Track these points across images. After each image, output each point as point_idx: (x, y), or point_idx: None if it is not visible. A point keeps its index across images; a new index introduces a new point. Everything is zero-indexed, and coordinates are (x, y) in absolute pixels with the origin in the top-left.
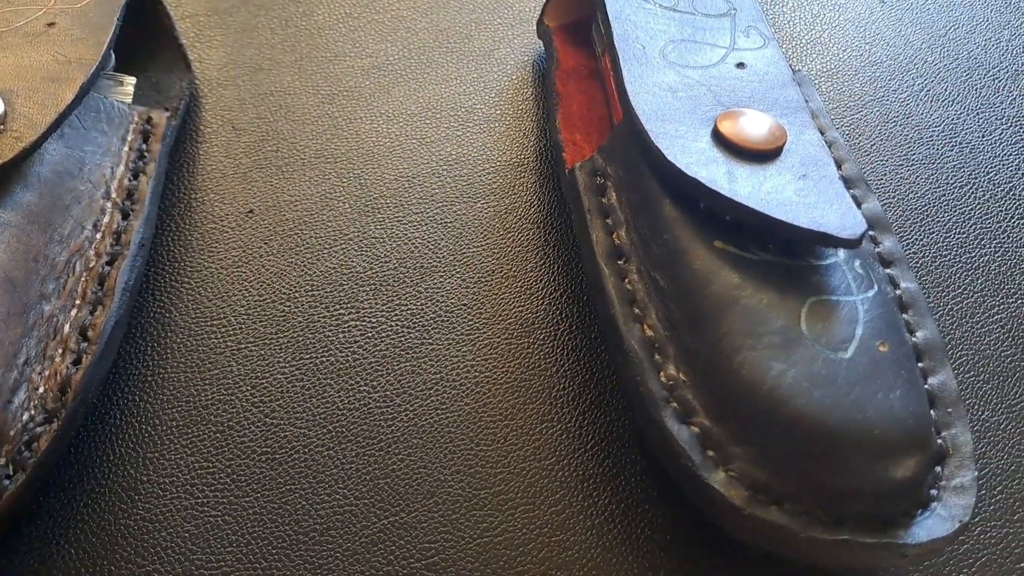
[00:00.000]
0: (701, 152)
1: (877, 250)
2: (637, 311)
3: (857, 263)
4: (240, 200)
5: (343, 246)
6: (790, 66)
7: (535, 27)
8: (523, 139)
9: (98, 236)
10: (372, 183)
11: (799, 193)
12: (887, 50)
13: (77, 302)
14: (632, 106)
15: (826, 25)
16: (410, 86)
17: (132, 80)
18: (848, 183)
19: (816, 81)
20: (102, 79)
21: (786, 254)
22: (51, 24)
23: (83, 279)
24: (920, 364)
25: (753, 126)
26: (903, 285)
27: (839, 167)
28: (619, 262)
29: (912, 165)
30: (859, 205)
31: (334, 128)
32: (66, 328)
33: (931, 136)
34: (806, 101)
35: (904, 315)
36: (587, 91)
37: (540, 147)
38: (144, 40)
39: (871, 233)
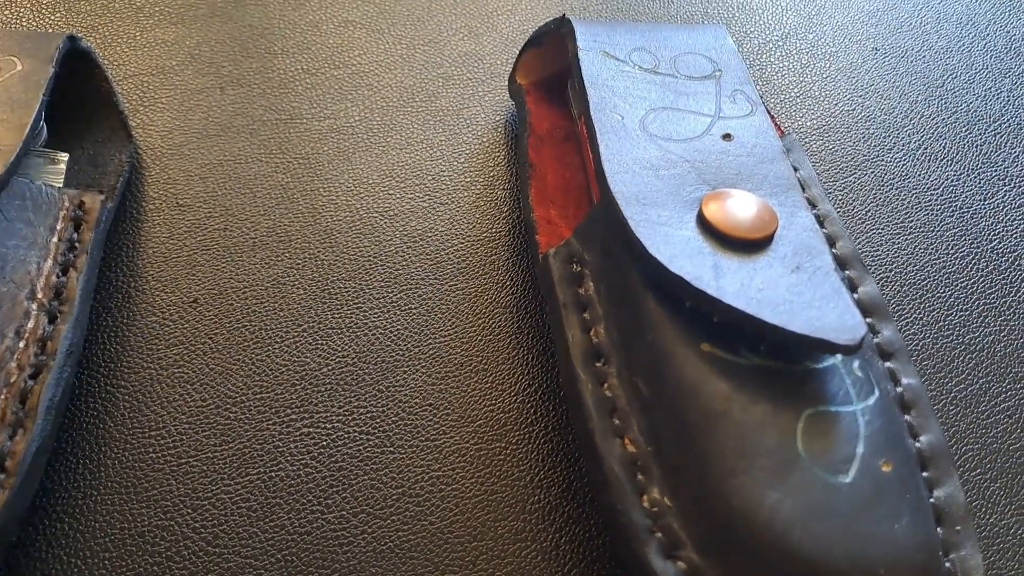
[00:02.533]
0: (686, 242)
1: (876, 340)
2: (618, 422)
3: (856, 364)
4: (183, 288)
5: (295, 339)
6: (780, 128)
7: (507, 84)
8: (495, 211)
9: (20, 345)
10: (329, 264)
11: (792, 289)
12: (881, 103)
13: None
14: (610, 190)
15: (816, 76)
16: (372, 152)
17: (64, 157)
18: (842, 263)
19: (806, 139)
20: (31, 157)
21: (779, 357)
22: None
23: (2, 397)
24: (925, 474)
25: (741, 210)
26: (904, 381)
27: (832, 244)
28: (597, 364)
29: (909, 234)
30: (855, 289)
31: (288, 202)
32: None
33: (929, 200)
34: (796, 169)
35: (907, 416)
36: (562, 156)
37: (513, 219)
38: (80, 106)
39: (868, 321)
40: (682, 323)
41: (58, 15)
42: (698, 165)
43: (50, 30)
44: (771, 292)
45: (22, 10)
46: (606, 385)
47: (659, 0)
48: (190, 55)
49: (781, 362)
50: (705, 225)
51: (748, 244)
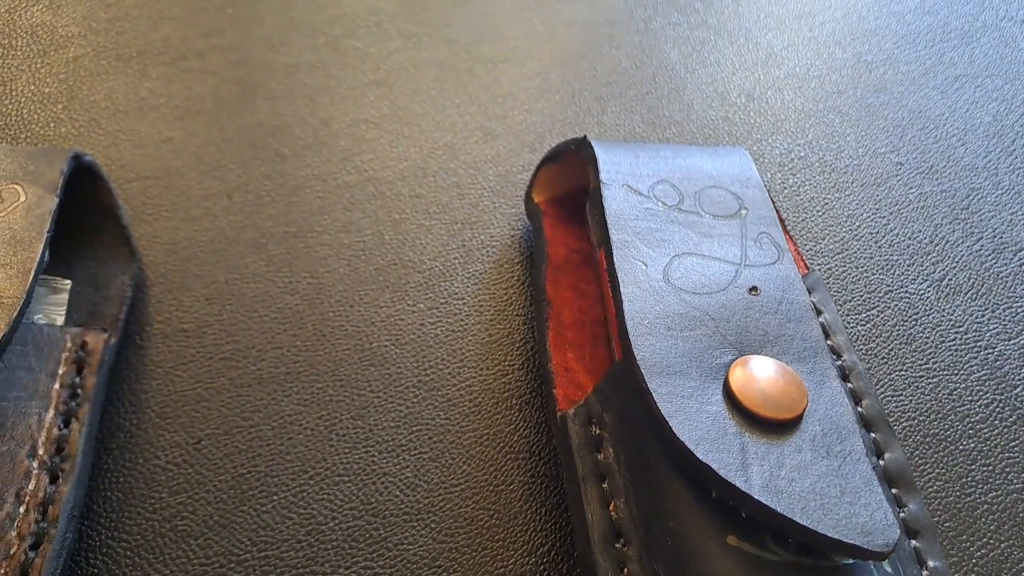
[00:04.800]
0: (712, 420)
1: (902, 515)
2: None
3: (885, 562)
4: (187, 427)
5: (301, 487)
6: (804, 262)
7: (521, 193)
8: (509, 342)
9: (21, 511)
10: (338, 401)
11: (822, 479)
12: (904, 226)
13: None
14: (635, 357)
15: (838, 192)
16: (383, 272)
17: (67, 285)
18: (868, 424)
19: (828, 264)
20: None
21: (807, 553)
22: None
23: (2, 572)
24: None
25: (770, 384)
26: (931, 564)
27: (858, 403)
28: (616, 545)
29: (932, 376)
30: (880, 455)
31: (296, 327)
32: None
33: (953, 339)
34: (819, 311)
35: None
36: (579, 285)
37: (527, 352)
38: (81, 221)
39: (894, 492)
40: (707, 511)
41: (59, 106)
42: (723, 325)
43: (51, 122)
44: (800, 484)
45: (22, 99)
46: (626, 571)
47: (677, 104)
48: (196, 155)
49: (809, 558)
50: (732, 400)
51: (776, 424)
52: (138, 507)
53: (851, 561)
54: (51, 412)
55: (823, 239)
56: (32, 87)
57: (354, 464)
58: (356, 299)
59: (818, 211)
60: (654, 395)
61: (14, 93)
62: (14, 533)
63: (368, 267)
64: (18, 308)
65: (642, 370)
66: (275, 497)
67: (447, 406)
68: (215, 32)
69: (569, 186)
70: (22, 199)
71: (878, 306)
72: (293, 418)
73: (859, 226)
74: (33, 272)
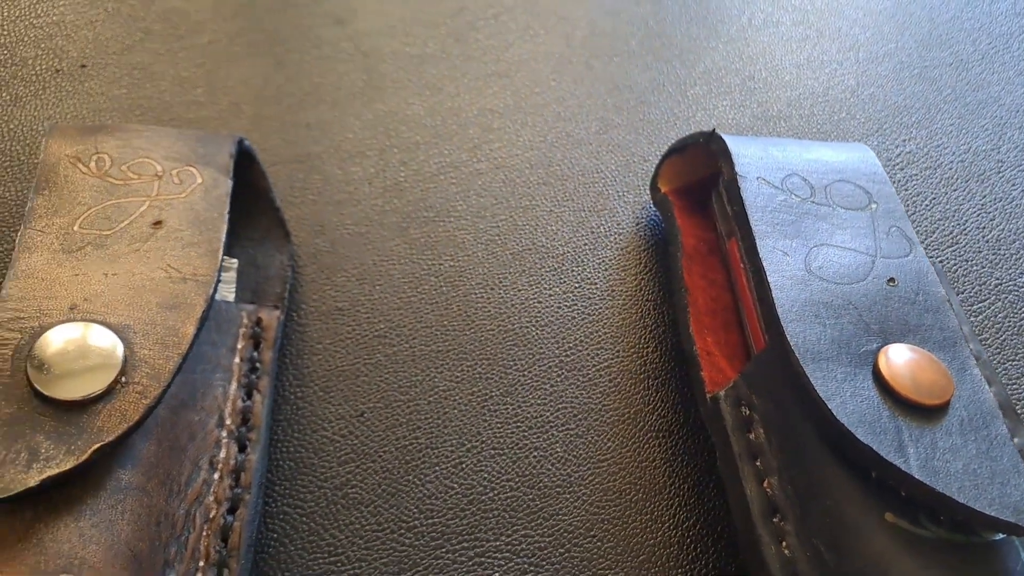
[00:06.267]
0: (867, 404)
1: None
2: None
3: None
4: (350, 400)
5: (460, 459)
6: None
7: (645, 183)
8: (641, 325)
9: (216, 477)
10: (487, 378)
11: (973, 461)
12: (1009, 221)
13: (201, 564)
14: (788, 343)
15: (944, 188)
16: (519, 256)
17: (235, 263)
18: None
19: (937, 260)
20: None
21: (959, 529)
22: (157, 223)
23: (204, 535)
24: None
25: (918, 372)
26: None
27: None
28: (774, 520)
29: None
30: (1012, 438)
31: (443, 308)
32: None
33: None
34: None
35: None
36: (708, 273)
37: (659, 335)
38: (238, 203)
39: None
40: (864, 491)
41: (199, 90)
42: (865, 313)
43: (192, 105)
44: (954, 464)
45: (163, 83)
46: (784, 544)
47: (783, 100)
48: (334, 142)
49: (962, 534)
50: (882, 385)
51: (927, 410)
52: (310, 476)
53: (1000, 537)
54: (234, 385)
55: (933, 233)
56: (172, 71)
57: (507, 438)
58: (496, 282)
59: (926, 206)
60: (813, 381)
61: (154, 76)
62: (211, 498)
63: (504, 252)
64: (213, 285)
65: (799, 360)
66: (437, 468)
67: (588, 386)
68: (341, 21)
69: (692, 177)
70: (199, 181)
71: (988, 299)
72: (447, 394)
73: (966, 221)
74: (220, 250)
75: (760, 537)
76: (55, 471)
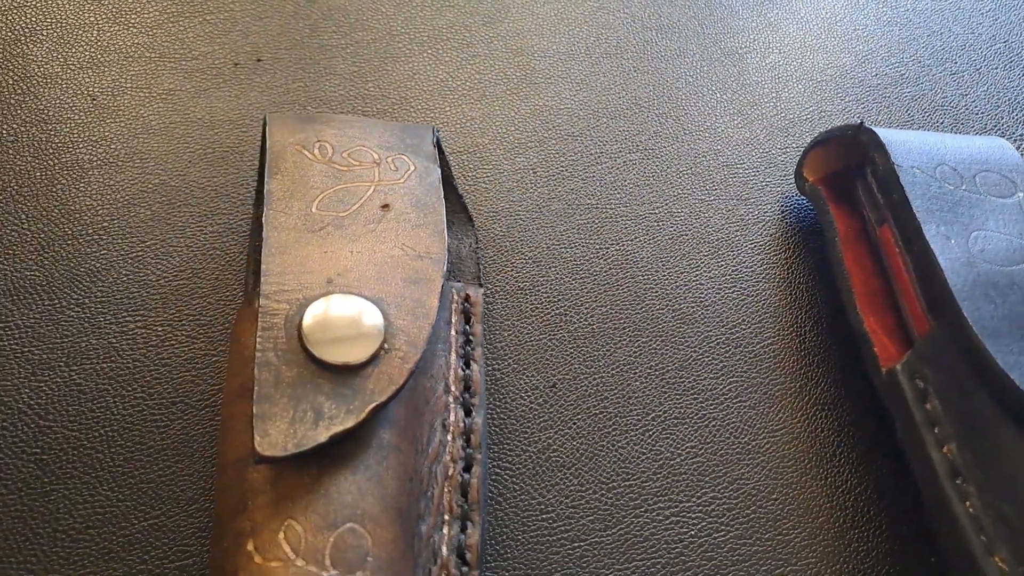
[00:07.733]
0: None
1: None
2: (985, 539)
3: None
4: (542, 372)
5: (647, 426)
6: None
7: (789, 176)
8: (795, 307)
9: (449, 438)
10: (663, 353)
11: None
12: None
13: (446, 517)
14: (967, 321)
15: None
16: (678, 242)
17: None
18: None
19: None
20: None
21: None
22: (385, 206)
23: (446, 490)
24: None
25: None
26: None
27: None
28: (957, 481)
29: None
30: None
31: (614, 288)
32: (444, 550)
33: None
34: None
35: None
36: (859, 259)
37: (814, 316)
38: None
39: None
40: None
41: (370, 84)
42: None
43: (365, 98)
44: None
45: (337, 76)
46: (968, 504)
47: (908, 95)
48: (497, 134)
49: None
50: None
51: None
52: (515, 440)
53: None
54: (453, 355)
55: None
56: (342, 65)
57: (687, 409)
58: (659, 265)
59: None
60: (997, 357)
61: (326, 71)
62: (448, 457)
63: (663, 237)
64: (445, 262)
65: (979, 334)
66: (628, 435)
67: (755, 361)
68: (493, 20)
69: (835, 168)
70: (412, 168)
71: None
72: (628, 367)
73: None
74: (445, 232)
75: (949, 496)
76: (340, 428)
